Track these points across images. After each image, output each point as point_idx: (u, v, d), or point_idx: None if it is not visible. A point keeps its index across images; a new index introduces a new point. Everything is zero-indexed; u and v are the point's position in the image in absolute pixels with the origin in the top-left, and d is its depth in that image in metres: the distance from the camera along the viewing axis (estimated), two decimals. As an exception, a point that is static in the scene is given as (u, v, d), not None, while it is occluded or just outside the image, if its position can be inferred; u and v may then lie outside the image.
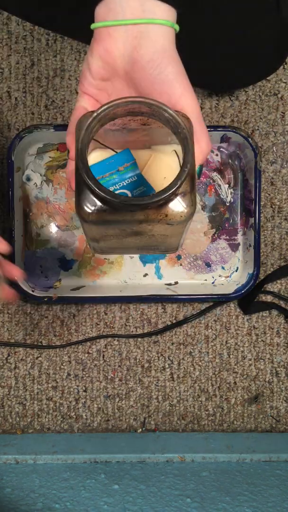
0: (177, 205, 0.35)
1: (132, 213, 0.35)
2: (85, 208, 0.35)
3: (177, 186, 0.33)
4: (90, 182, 0.33)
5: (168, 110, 0.35)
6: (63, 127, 0.69)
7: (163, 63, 0.37)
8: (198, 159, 0.38)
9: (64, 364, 0.77)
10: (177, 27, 0.39)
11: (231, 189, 0.75)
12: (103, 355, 0.77)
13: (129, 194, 0.39)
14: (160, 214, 0.35)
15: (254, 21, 0.57)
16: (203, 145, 0.38)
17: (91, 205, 0.35)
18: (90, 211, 0.35)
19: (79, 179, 0.35)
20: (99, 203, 0.35)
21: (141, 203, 0.33)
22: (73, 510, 0.63)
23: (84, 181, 0.34)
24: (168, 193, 0.33)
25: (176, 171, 0.35)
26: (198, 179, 0.40)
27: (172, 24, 0.38)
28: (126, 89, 0.40)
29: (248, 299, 0.75)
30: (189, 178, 0.35)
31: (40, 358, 0.77)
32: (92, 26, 0.38)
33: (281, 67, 0.74)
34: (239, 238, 0.75)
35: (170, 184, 0.33)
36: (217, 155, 0.74)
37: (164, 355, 0.77)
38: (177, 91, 0.37)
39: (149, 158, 0.41)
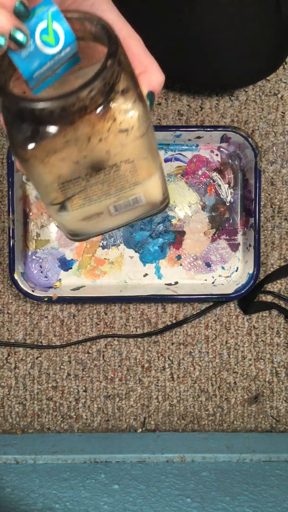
0: (123, 104, 0.31)
1: (74, 127, 0.30)
2: (21, 141, 0.30)
3: (104, 68, 0.29)
4: (6, 97, 0.29)
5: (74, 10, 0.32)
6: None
7: (98, 1, 0.35)
8: (150, 86, 0.36)
9: (64, 364, 0.77)
10: None
11: (231, 189, 0.75)
12: (103, 355, 0.77)
13: None
14: (106, 120, 0.31)
15: (254, 21, 0.57)
16: (154, 72, 0.36)
17: (26, 133, 0.30)
18: (27, 141, 0.30)
19: (1, 109, 0.31)
20: (32, 127, 0.30)
21: (70, 92, 0.28)
22: (73, 510, 0.63)
23: (4, 106, 0.30)
24: (98, 78, 0.29)
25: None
26: (151, 108, 0.37)
27: None
28: None
29: (248, 299, 0.75)
30: (126, 74, 0.31)
31: (40, 358, 0.77)
32: None
33: (281, 67, 0.74)
34: (239, 238, 0.75)
35: (97, 70, 0.29)
36: (217, 155, 0.74)
37: (164, 355, 0.77)
38: (111, 16, 0.35)
39: None
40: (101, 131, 0.31)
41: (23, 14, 0.29)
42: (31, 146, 0.30)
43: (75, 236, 0.41)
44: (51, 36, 0.30)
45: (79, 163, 0.32)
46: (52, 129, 0.30)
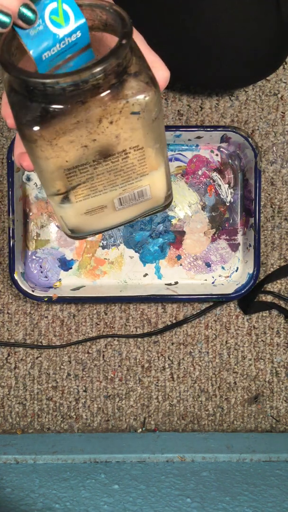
0: (135, 84, 0.30)
1: (86, 107, 0.29)
2: (30, 121, 0.29)
3: (119, 46, 0.29)
4: (16, 74, 0.28)
5: None
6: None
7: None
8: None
9: (64, 364, 0.77)
10: None
11: (231, 189, 0.75)
12: (103, 355, 0.77)
13: None
14: (119, 100, 0.30)
15: (254, 21, 0.57)
16: (159, 68, 0.35)
17: (35, 113, 0.29)
18: (36, 121, 0.29)
19: (8, 91, 0.30)
20: (41, 106, 0.29)
21: (84, 68, 0.28)
22: (73, 510, 0.63)
23: (11, 87, 0.29)
24: (113, 55, 0.28)
25: None
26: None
27: None
28: None
29: (248, 299, 0.75)
30: (138, 59, 0.31)
31: (40, 358, 0.77)
32: None
33: (281, 67, 0.74)
34: (239, 238, 0.75)
35: (110, 51, 0.28)
36: (217, 155, 0.74)
37: (164, 355, 0.77)
38: None
39: None
40: (113, 112, 0.30)
41: None
42: (40, 126, 0.29)
43: (75, 233, 0.40)
44: (61, 16, 0.29)
45: (88, 147, 0.32)
46: (63, 108, 0.29)
